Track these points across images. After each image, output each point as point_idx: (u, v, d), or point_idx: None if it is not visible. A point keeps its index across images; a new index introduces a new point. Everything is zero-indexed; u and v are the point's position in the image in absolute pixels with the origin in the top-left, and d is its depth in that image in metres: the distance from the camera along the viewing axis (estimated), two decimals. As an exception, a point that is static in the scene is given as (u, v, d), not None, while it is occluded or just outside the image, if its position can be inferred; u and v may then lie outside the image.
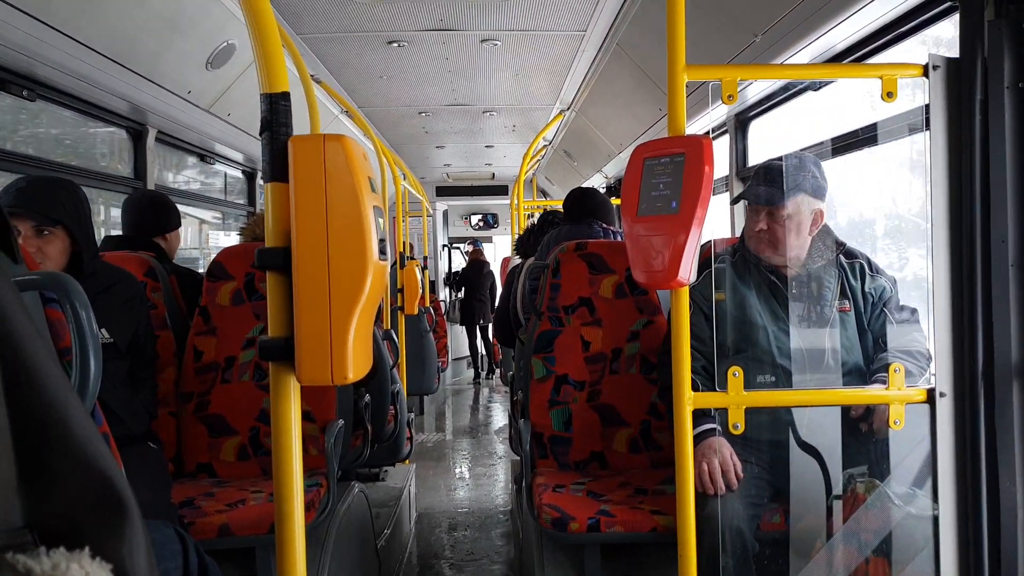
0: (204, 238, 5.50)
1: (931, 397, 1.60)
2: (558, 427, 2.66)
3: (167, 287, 2.62)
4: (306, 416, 2.50)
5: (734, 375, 1.62)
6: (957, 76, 1.50)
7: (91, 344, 0.96)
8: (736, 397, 1.63)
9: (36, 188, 2.01)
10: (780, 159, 2.14)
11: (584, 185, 4.60)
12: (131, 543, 0.47)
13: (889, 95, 1.54)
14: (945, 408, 1.58)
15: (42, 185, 2.03)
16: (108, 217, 3.78)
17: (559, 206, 3.90)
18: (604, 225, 3.29)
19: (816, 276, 2.16)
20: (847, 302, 2.14)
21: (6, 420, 0.40)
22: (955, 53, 1.52)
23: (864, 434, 1.95)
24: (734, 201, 3.22)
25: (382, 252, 1.07)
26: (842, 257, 2.18)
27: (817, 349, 2.10)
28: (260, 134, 1.09)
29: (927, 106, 1.52)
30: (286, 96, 1.09)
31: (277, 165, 1.07)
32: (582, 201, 3.38)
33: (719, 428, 2.01)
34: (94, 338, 0.96)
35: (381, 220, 1.10)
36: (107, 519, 0.47)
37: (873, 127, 2.28)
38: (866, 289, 2.15)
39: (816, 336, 2.11)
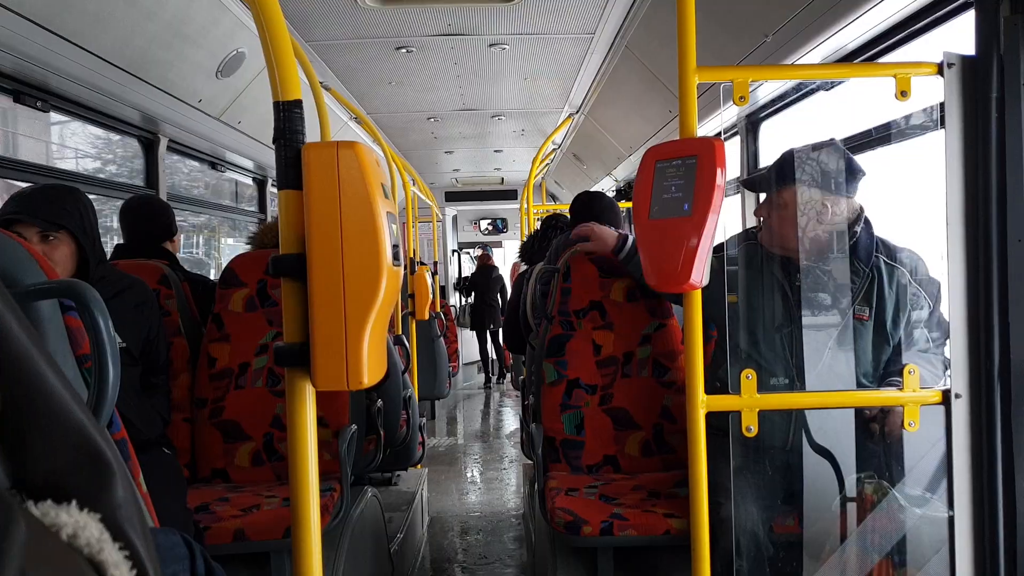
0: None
1: (946, 398, 1.58)
2: (570, 431, 2.66)
3: (180, 294, 2.63)
4: (319, 421, 2.50)
5: (747, 378, 1.61)
6: (973, 74, 1.49)
7: (109, 351, 0.97)
8: (749, 400, 1.62)
9: (40, 194, 2.03)
10: (793, 149, 2.08)
11: (593, 188, 4.60)
12: (118, 497, 0.47)
13: (903, 94, 1.53)
14: (961, 409, 1.57)
15: (46, 191, 2.05)
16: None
17: (568, 210, 3.90)
18: (630, 235, 3.28)
19: (833, 276, 2.07)
20: (867, 309, 2.04)
21: None
22: (970, 51, 1.51)
23: (878, 436, 1.94)
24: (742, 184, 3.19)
25: (396, 258, 1.07)
26: (882, 259, 2.06)
27: (820, 355, 2.05)
28: (273, 142, 1.10)
29: (942, 104, 1.51)
30: (299, 104, 1.10)
31: (291, 172, 1.07)
32: (590, 205, 3.38)
33: None
34: (112, 345, 0.96)
35: (395, 226, 1.10)
36: (91, 477, 0.47)
37: (886, 127, 2.27)
38: (901, 300, 2.03)
39: (820, 341, 2.04)
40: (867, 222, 2.07)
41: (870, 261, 2.06)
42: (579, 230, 2.77)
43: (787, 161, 2.04)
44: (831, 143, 2.07)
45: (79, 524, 0.43)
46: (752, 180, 2.27)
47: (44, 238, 1.99)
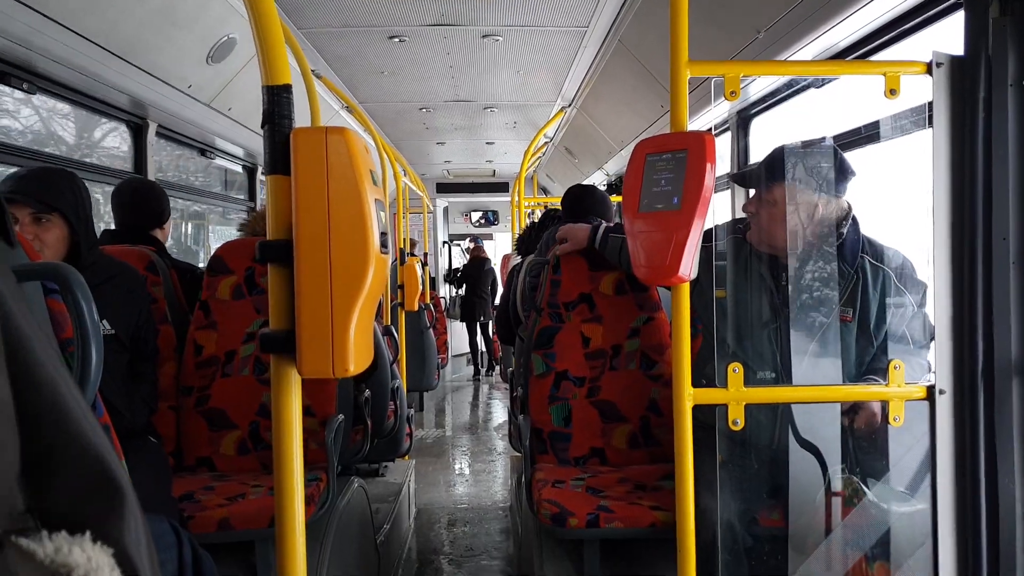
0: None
1: (931, 394, 1.60)
2: (558, 423, 2.66)
3: (167, 281, 2.62)
4: (306, 411, 2.50)
5: (734, 371, 1.62)
6: (961, 74, 1.49)
7: (92, 335, 0.96)
8: (736, 393, 1.63)
9: (34, 176, 2.01)
10: (785, 146, 2.07)
11: (585, 182, 4.60)
12: (131, 528, 0.47)
13: (892, 92, 1.54)
14: (945, 405, 1.58)
15: (40, 173, 2.04)
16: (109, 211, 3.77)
17: (559, 203, 3.90)
18: (603, 222, 3.28)
19: (818, 276, 2.05)
20: (851, 310, 2.03)
21: (11, 405, 0.40)
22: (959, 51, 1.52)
23: (863, 430, 1.96)
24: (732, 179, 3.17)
25: (383, 245, 1.07)
26: (867, 260, 2.05)
27: (803, 355, 2.04)
28: (262, 127, 1.09)
29: (930, 103, 1.51)
30: (288, 88, 1.09)
31: (279, 158, 1.07)
32: (581, 198, 3.37)
33: None
34: (95, 329, 0.96)
35: (383, 213, 1.10)
36: (106, 505, 0.47)
37: (875, 124, 2.28)
38: (886, 302, 2.02)
39: (804, 341, 2.03)
40: (855, 221, 2.06)
41: (855, 262, 2.05)
42: (557, 234, 2.79)
43: (777, 158, 2.04)
44: (823, 141, 2.06)
45: (91, 565, 0.43)
46: (742, 175, 2.27)
47: (36, 220, 1.98)
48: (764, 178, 2.08)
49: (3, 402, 0.39)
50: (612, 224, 2.95)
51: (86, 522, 0.45)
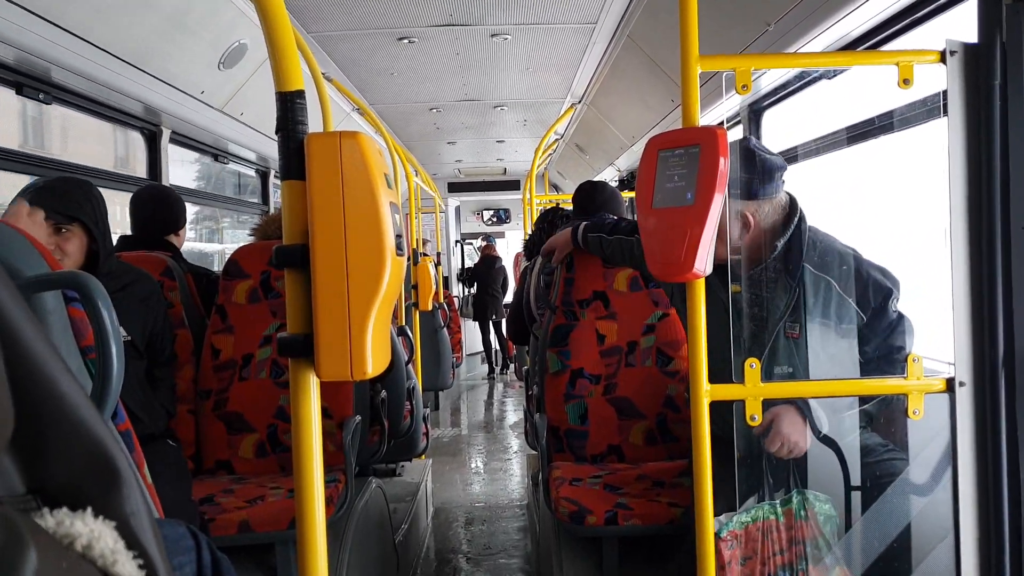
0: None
1: (951, 387, 1.58)
2: (574, 421, 2.66)
3: (184, 286, 2.64)
4: (323, 412, 2.51)
5: (751, 367, 1.61)
6: (975, 62, 1.48)
7: (113, 342, 0.97)
8: (753, 389, 1.62)
9: (53, 187, 2.04)
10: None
11: (596, 179, 4.58)
12: (131, 503, 0.48)
13: (906, 82, 1.53)
14: (965, 397, 1.57)
15: (59, 184, 2.06)
16: (124, 217, 3.80)
17: (571, 200, 3.89)
18: (616, 218, 3.27)
19: (762, 289, 1.91)
20: (797, 326, 1.89)
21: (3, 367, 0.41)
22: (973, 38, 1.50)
23: (883, 425, 1.94)
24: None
25: (399, 248, 1.07)
26: (808, 270, 1.90)
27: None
28: (276, 132, 1.09)
29: (945, 92, 1.50)
30: (301, 94, 1.10)
31: (293, 163, 1.07)
32: (593, 195, 3.36)
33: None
34: (116, 337, 0.97)
35: (397, 216, 1.10)
36: (104, 483, 0.47)
37: (888, 115, 2.26)
38: (831, 314, 1.87)
39: (756, 356, 1.84)
40: (802, 220, 1.92)
41: (798, 274, 1.91)
42: (543, 249, 2.77)
43: None
44: (745, 142, 1.93)
45: (94, 534, 0.44)
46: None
47: (57, 230, 2.00)
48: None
49: None
50: (590, 222, 2.79)
51: (87, 499, 0.46)
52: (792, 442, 1.86)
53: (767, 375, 1.90)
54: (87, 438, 0.47)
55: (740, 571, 1.83)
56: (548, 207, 4.13)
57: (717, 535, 1.83)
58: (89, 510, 0.45)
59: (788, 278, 1.92)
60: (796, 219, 1.92)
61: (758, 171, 1.89)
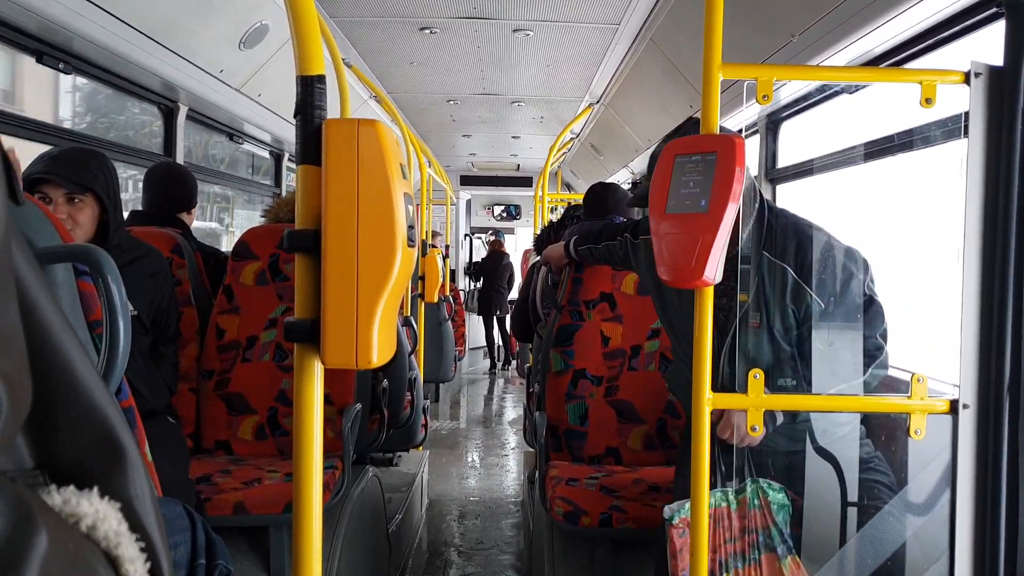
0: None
1: (954, 408, 1.58)
2: (574, 421, 2.66)
3: (192, 264, 2.64)
4: (325, 399, 2.51)
5: (755, 377, 1.61)
6: (1000, 85, 1.47)
7: (121, 317, 0.98)
8: (756, 399, 1.61)
9: (67, 157, 2.04)
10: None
11: (609, 180, 4.57)
12: (136, 485, 0.48)
13: (928, 101, 1.52)
14: (968, 420, 1.56)
15: (73, 154, 2.06)
16: (136, 191, 3.81)
17: (580, 200, 3.88)
18: (606, 221, 3.26)
19: (729, 280, 1.87)
20: (759, 316, 1.86)
21: (23, 337, 0.41)
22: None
23: (883, 441, 1.94)
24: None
25: (410, 239, 1.07)
26: (765, 257, 1.86)
27: (718, 362, 1.87)
28: (294, 116, 1.09)
29: (966, 113, 1.49)
30: (321, 79, 1.09)
31: (310, 148, 1.07)
32: (604, 196, 3.36)
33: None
34: (124, 311, 0.97)
35: (410, 207, 1.10)
36: (111, 463, 0.48)
37: (907, 133, 2.25)
38: (787, 303, 1.84)
39: (719, 347, 1.86)
40: (763, 203, 1.89)
41: (757, 261, 1.87)
42: (541, 260, 2.75)
43: (655, 155, 1.90)
44: (695, 117, 1.87)
45: (99, 515, 0.44)
46: (637, 197, 2.09)
47: (70, 200, 2.00)
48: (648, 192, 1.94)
49: (13, 329, 0.39)
50: (580, 233, 2.71)
51: (93, 478, 0.46)
52: (743, 430, 1.83)
53: (729, 364, 1.90)
54: (96, 416, 0.48)
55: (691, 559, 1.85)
56: (569, 206, 4.12)
57: (668, 522, 1.84)
58: (95, 490, 0.45)
59: (745, 264, 1.88)
60: (757, 205, 1.89)
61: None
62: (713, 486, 1.88)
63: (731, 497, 1.85)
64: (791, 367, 1.89)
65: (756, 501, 1.88)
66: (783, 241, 1.87)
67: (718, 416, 1.83)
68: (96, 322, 1.07)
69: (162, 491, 1.30)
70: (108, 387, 1.00)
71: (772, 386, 1.84)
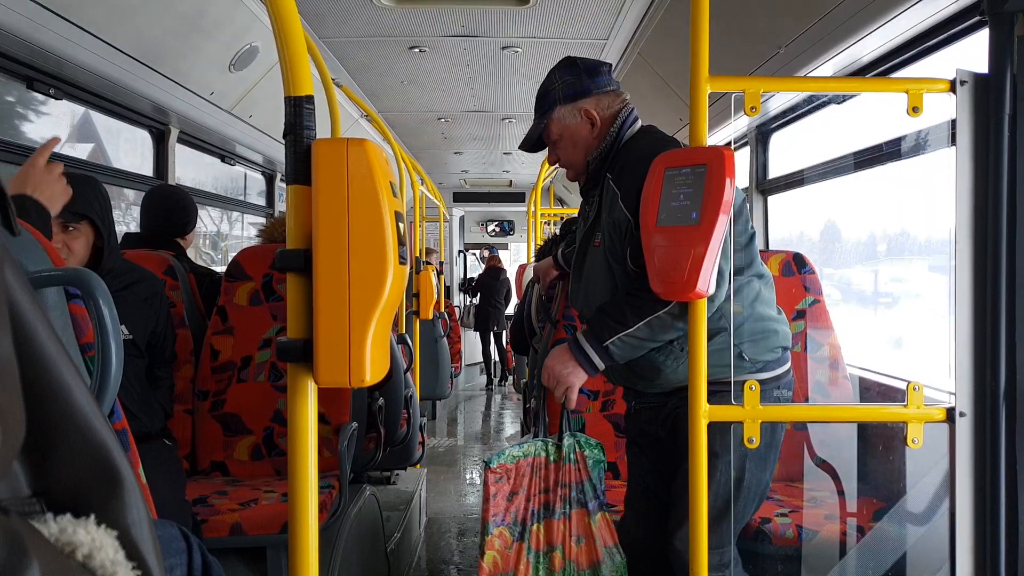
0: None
1: (951, 416, 1.57)
2: (571, 436, 2.65)
3: (186, 286, 2.64)
4: (320, 418, 2.50)
5: (751, 388, 1.61)
6: (985, 92, 1.48)
7: (112, 340, 0.97)
8: (752, 411, 1.61)
9: None
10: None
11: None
12: (133, 512, 0.48)
13: (915, 110, 1.53)
14: (965, 428, 1.56)
15: (68, 182, 2.06)
16: (127, 214, 3.81)
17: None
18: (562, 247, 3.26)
19: (586, 200, 1.96)
20: (598, 235, 1.87)
21: (16, 371, 0.40)
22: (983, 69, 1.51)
23: (880, 451, 1.94)
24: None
25: (402, 257, 1.07)
26: (608, 178, 1.86)
27: (576, 283, 1.96)
28: (284, 137, 1.10)
29: (953, 121, 1.50)
30: (310, 100, 1.10)
31: (300, 168, 1.07)
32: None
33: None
34: (116, 334, 0.96)
35: (401, 225, 1.10)
36: (108, 490, 0.47)
37: (896, 142, 2.26)
38: (613, 218, 1.81)
39: (578, 269, 1.95)
40: (625, 122, 1.90)
41: (600, 182, 1.90)
42: (533, 274, 2.78)
43: (537, 101, 1.96)
44: (565, 60, 1.96)
45: (95, 543, 0.43)
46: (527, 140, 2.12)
47: (65, 227, 1.99)
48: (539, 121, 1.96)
49: (7, 361, 0.39)
50: (567, 241, 2.70)
51: (90, 506, 0.45)
52: (556, 375, 1.86)
53: (576, 281, 1.96)
54: (93, 443, 0.47)
55: (505, 505, 1.88)
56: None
57: (487, 465, 1.88)
58: (92, 518, 0.44)
59: (591, 185, 1.95)
60: (619, 123, 1.90)
61: (582, 70, 1.91)
62: (536, 436, 2.01)
63: (550, 448, 1.96)
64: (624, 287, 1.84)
65: (572, 455, 1.94)
66: (629, 161, 1.84)
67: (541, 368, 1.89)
68: (88, 345, 1.06)
69: (158, 513, 1.29)
70: (102, 410, 0.99)
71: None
